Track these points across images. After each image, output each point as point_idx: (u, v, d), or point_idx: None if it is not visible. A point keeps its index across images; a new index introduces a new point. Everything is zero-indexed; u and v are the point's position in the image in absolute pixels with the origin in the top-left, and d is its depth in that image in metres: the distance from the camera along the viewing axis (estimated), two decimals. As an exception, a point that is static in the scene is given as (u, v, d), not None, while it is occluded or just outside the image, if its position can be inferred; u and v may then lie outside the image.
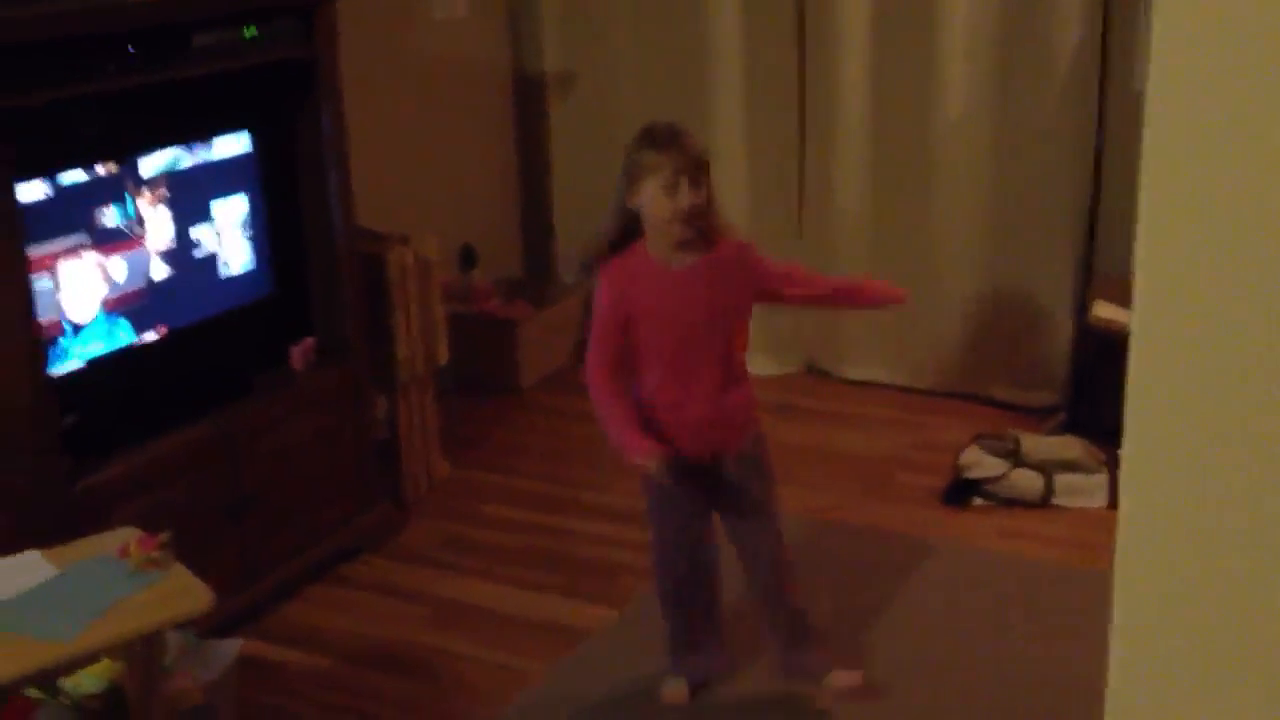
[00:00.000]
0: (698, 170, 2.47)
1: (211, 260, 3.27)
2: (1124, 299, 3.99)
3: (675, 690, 2.86)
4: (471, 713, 2.90)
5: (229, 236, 3.31)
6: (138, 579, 2.17)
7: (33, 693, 2.30)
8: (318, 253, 3.51)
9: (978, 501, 3.69)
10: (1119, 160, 4.13)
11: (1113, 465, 3.72)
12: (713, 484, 2.67)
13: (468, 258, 4.75)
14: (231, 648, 2.84)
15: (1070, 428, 3.98)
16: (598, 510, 3.79)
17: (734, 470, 2.66)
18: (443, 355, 3.89)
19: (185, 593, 2.17)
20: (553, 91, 4.94)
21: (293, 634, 3.23)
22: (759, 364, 4.65)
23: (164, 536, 2.22)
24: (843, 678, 2.79)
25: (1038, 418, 4.15)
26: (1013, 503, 3.67)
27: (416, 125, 4.46)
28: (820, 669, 2.80)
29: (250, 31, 3.13)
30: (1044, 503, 3.67)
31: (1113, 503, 3.64)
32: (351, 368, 3.52)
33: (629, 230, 2.55)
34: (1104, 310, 3.94)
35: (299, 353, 3.46)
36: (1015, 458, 3.72)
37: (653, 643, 3.07)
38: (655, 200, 2.48)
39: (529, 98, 4.98)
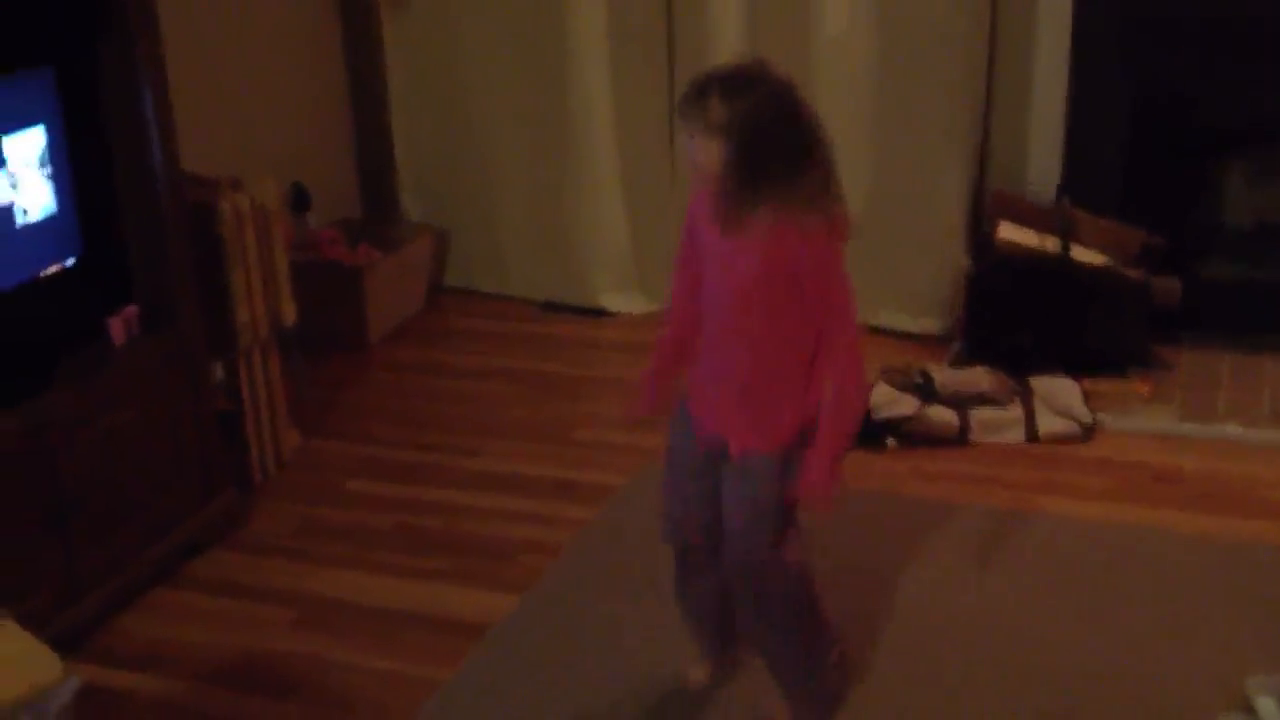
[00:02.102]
0: (691, 116, 2.07)
1: (7, 211, 2.71)
2: (1025, 219, 3.78)
3: (695, 672, 2.56)
4: (366, 735, 2.49)
5: (25, 177, 2.74)
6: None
7: None
8: (136, 203, 2.97)
9: (890, 442, 3.40)
10: (1011, 74, 3.84)
11: (1025, 396, 3.48)
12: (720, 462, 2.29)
13: (299, 199, 4.23)
14: (68, 685, 2.35)
15: (967, 356, 3.73)
16: (476, 478, 3.37)
17: (732, 465, 2.27)
18: (289, 315, 3.39)
19: (24, 661, 1.70)
20: (385, 9, 4.42)
21: (137, 653, 2.74)
22: (620, 302, 4.30)
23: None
24: None
25: (930, 345, 3.88)
26: (927, 441, 3.40)
27: (226, 50, 3.88)
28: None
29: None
30: (960, 440, 3.40)
31: (1031, 436, 3.40)
32: (184, 337, 3.01)
33: None
34: (1008, 232, 3.68)
35: (119, 323, 2.93)
36: (927, 393, 3.44)
37: (568, 629, 2.71)
38: None
39: (357, 17, 4.44)
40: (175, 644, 2.76)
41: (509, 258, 4.43)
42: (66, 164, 2.83)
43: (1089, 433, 3.39)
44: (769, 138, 2.05)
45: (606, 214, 4.26)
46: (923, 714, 2.43)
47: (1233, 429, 3.36)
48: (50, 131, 2.79)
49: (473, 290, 4.52)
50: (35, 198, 2.77)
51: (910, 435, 3.40)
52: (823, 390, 2.17)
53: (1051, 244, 3.61)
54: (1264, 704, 2.27)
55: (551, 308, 4.35)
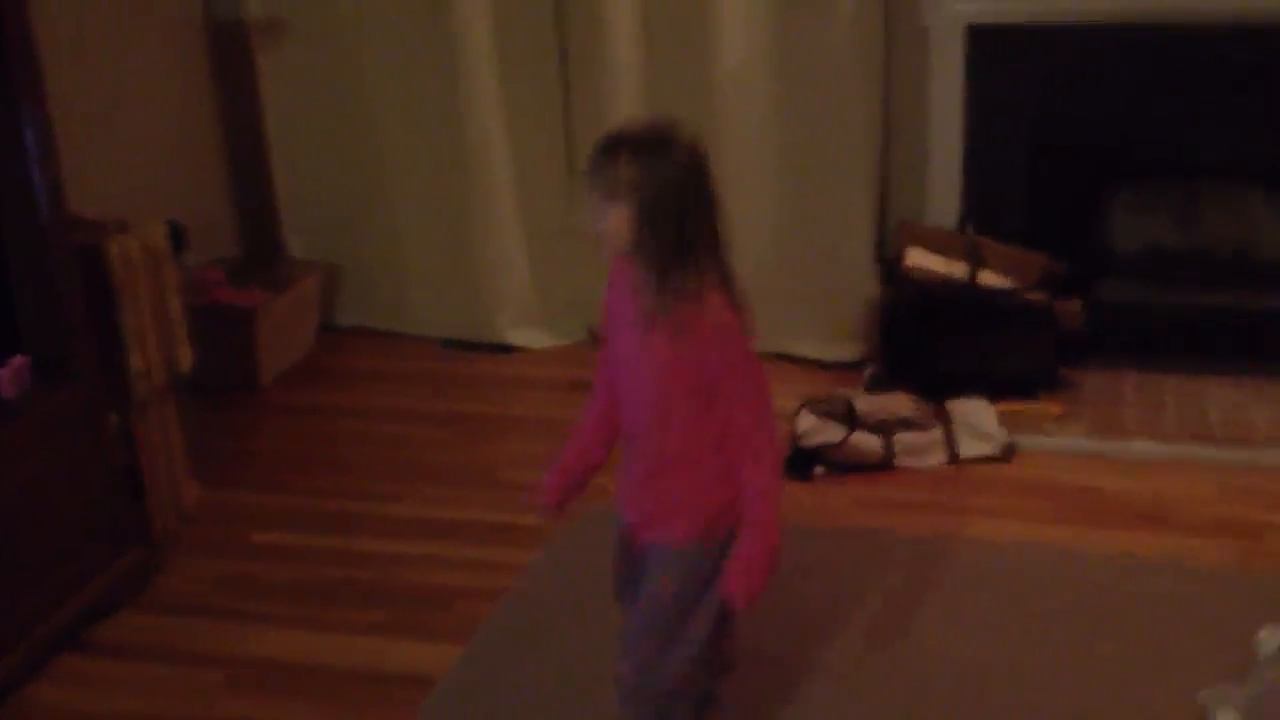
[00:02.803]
0: (596, 184, 1.94)
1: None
2: (932, 246, 3.82)
3: None
4: (321, 803, 2.34)
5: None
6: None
7: None
8: (20, 248, 2.77)
9: (819, 470, 3.38)
10: (908, 106, 3.89)
11: (943, 420, 3.50)
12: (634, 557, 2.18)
13: (175, 238, 4.00)
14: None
15: (883, 381, 3.74)
16: (394, 525, 3.23)
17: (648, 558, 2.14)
18: (186, 360, 3.21)
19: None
20: (258, 41, 4.25)
21: (54, 728, 2.54)
22: (533, 337, 4.21)
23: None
24: None
25: (846, 373, 3.89)
26: (854, 468, 3.39)
27: (86, 84, 3.65)
28: None
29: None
30: (885, 465, 3.40)
31: (952, 459, 3.43)
32: (81, 388, 2.82)
33: None
34: (917, 258, 3.71)
35: (9, 375, 2.72)
36: (850, 420, 3.44)
37: (519, 676, 2.60)
38: None
39: (230, 49, 4.27)
40: (98, 715, 2.56)
41: (403, 295, 4.30)
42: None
43: (1007, 454, 3.43)
44: (682, 204, 1.93)
45: (506, 249, 4.15)
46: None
47: (1143, 445, 3.44)
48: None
49: (365, 329, 4.36)
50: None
51: (836, 463, 3.39)
52: (743, 488, 2.01)
53: (959, 270, 3.65)
54: (1226, 717, 2.29)
55: (451, 345, 4.22)
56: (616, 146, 1.94)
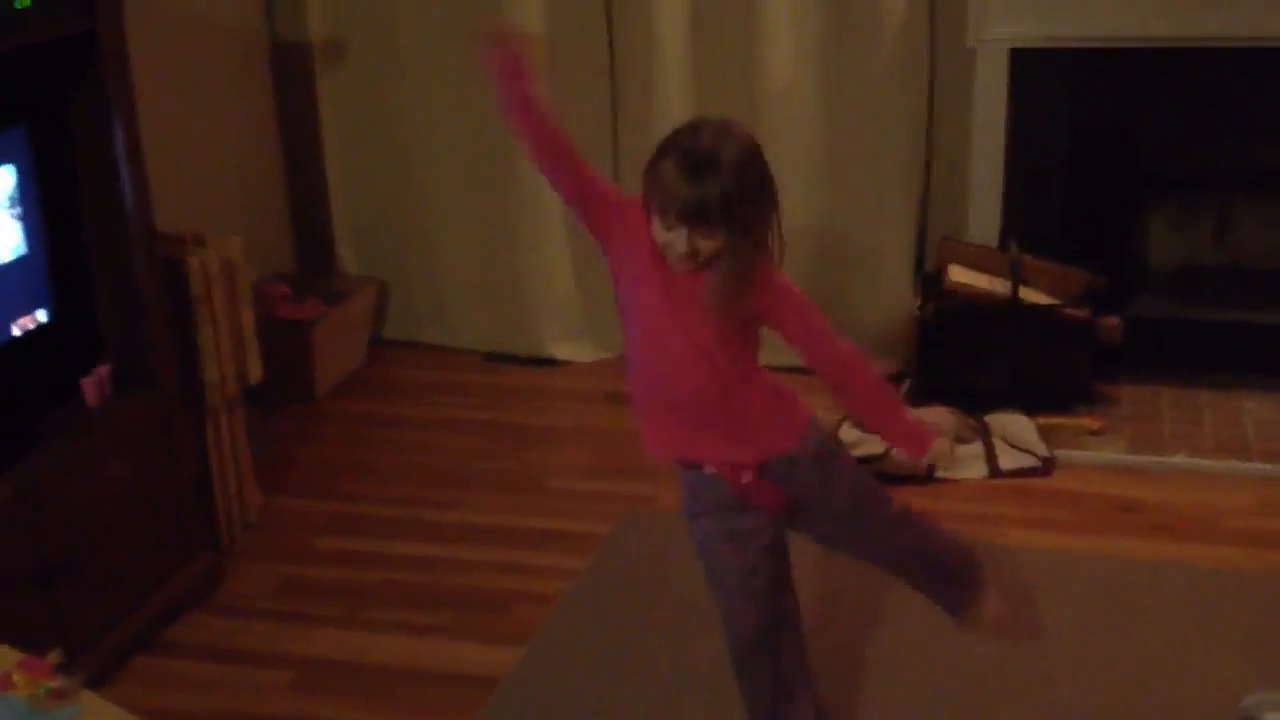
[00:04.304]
0: (706, 220, 1.98)
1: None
2: (973, 263, 3.90)
3: None
4: (389, 798, 2.44)
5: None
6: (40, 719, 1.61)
7: None
8: (109, 260, 2.90)
9: (861, 482, 3.46)
10: (951, 120, 3.98)
11: (984, 433, 3.58)
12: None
13: (231, 253, 4.13)
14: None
15: (919, 395, 3.82)
16: (451, 530, 3.34)
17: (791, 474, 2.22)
18: (255, 372, 3.33)
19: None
20: (319, 61, 4.37)
21: (133, 725, 2.64)
22: (569, 350, 4.30)
23: (55, 654, 1.67)
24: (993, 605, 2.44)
25: (884, 387, 3.97)
26: (895, 479, 3.47)
27: (152, 101, 3.76)
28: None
29: (23, 1, 2.51)
30: (927, 477, 3.49)
31: (993, 471, 3.51)
32: (158, 397, 2.94)
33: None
34: (959, 275, 3.79)
35: (93, 384, 2.84)
36: (892, 433, 3.52)
37: (579, 678, 2.70)
38: (654, 227, 2.04)
39: (291, 68, 4.39)
40: (172, 713, 2.67)
41: (451, 308, 4.40)
42: (37, 211, 2.74)
43: (1047, 466, 3.51)
44: (761, 208, 2.04)
45: (552, 262, 4.26)
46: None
47: (1182, 459, 3.51)
48: (21, 174, 2.69)
49: (414, 342, 4.47)
50: (3, 237, 2.67)
51: (878, 474, 3.46)
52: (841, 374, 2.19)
53: (1000, 286, 3.73)
54: (1277, 721, 2.36)
55: (496, 358, 4.32)
56: (712, 163, 1.98)
